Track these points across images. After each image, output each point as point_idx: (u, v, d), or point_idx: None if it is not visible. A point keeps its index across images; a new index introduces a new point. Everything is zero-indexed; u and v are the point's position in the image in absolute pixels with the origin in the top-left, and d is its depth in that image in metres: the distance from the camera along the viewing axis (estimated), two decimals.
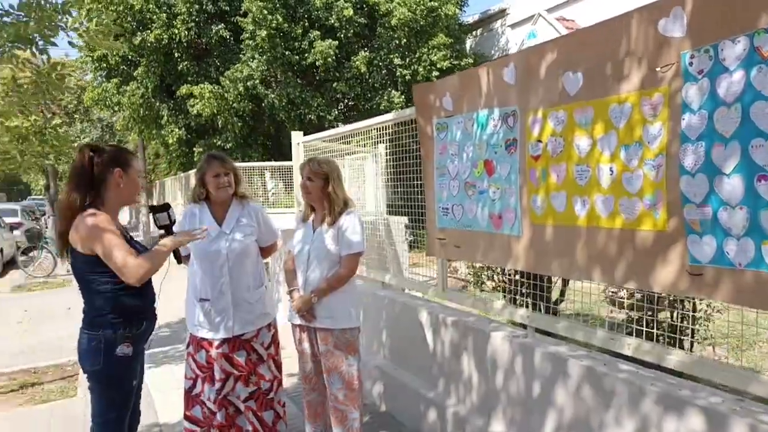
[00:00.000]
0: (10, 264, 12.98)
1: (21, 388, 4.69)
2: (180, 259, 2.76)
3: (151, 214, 2.67)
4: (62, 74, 5.15)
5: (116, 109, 12.94)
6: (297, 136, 5.66)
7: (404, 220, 5.18)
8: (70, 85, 5.20)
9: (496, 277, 4.58)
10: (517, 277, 3.30)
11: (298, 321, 3.03)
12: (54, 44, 5.08)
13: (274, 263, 6.00)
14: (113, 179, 2.35)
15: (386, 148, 4.60)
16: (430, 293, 3.55)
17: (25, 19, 4.80)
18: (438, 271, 3.47)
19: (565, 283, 4.15)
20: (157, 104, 12.34)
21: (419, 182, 3.71)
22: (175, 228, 2.74)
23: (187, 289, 3.15)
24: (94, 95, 12.67)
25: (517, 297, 3.90)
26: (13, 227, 14.00)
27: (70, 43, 4.88)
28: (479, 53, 13.85)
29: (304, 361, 3.07)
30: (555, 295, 4.02)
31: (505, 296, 4.46)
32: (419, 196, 3.77)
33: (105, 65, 12.47)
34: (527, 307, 2.98)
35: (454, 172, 3.23)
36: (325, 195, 2.96)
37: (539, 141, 2.58)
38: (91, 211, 2.27)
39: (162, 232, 2.69)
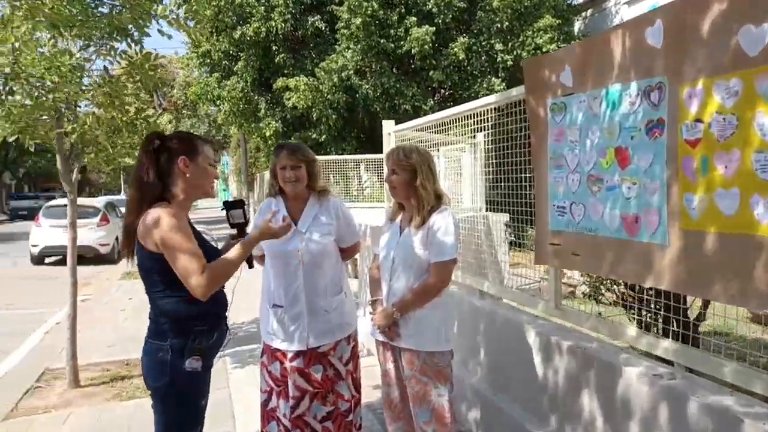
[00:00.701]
0: None
1: (111, 380, 4.70)
2: (252, 262, 2.42)
3: (224, 210, 2.36)
4: (155, 65, 5.11)
5: (217, 103, 13.34)
6: (388, 126, 5.24)
7: (504, 217, 4.65)
8: (164, 76, 5.18)
9: (616, 288, 3.88)
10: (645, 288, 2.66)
11: (381, 337, 2.61)
12: (147, 35, 5.06)
13: (363, 263, 5.66)
14: (178, 169, 2.06)
15: (485, 137, 4.07)
16: (539, 308, 2.98)
17: (119, 8, 4.80)
18: (549, 283, 2.88)
19: (706, 303, 3.39)
20: (256, 98, 12.53)
21: (522, 174, 3.17)
22: (249, 228, 2.42)
23: (261, 292, 2.85)
24: (197, 90, 13.13)
25: (643, 313, 3.23)
26: None
27: (159, 31, 4.80)
28: (590, 36, 12.69)
29: (388, 384, 2.64)
30: (692, 313, 3.28)
31: (627, 312, 3.76)
32: (522, 191, 3.23)
33: (209, 61, 12.86)
34: (657, 329, 2.37)
35: (574, 163, 2.63)
36: (412, 190, 2.51)
37: (698, 121, 1.94)
38: (159, 208, 1.99)
39: (234, 232, 2.38)
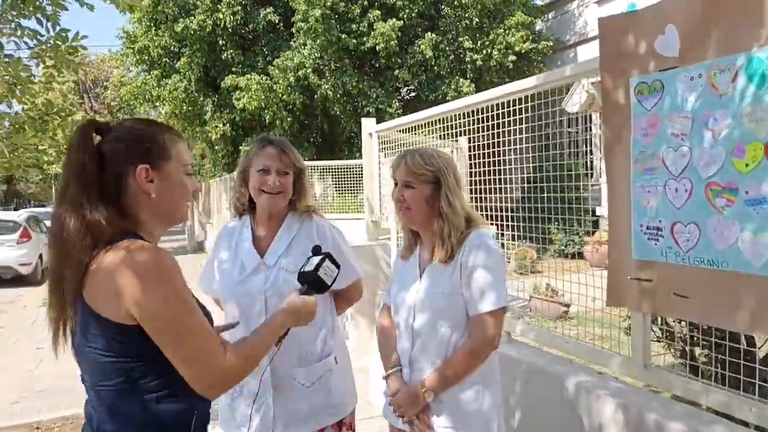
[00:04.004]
0: None
1: None
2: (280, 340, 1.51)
3: (315, 256, 1.57)
4: (74, 47, 4.04)
5: (156, 104, 12.04)
6: (369, 125, 4.36)
7: (492, 230, 3.93)
8: (84, 62, 4.16)
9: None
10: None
11: (402, 425, 1.80)
12: (64, 8, 4.02)
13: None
14: (136, 184, 1.24)
15: (470, 141, 3.38)
16: (614, 367, 2.15)
17: None
18: (633, 333, 2.06)
19: None
20: (201, 98, 11.33)
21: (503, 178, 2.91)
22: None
23: None
24: (132, 88, 11.78)
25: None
26: None
27: (87, 4, 3.75)
28: (555, 38, 12.22)
29: None
30: None
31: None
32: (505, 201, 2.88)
33: (146, 58, 11.57)
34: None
35: (679, 166, 1.86)
36: (434, 210, 1.76)
37: None
38: (138, 243, 1.17)
39: (304, 287, 1.53)
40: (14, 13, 3.81)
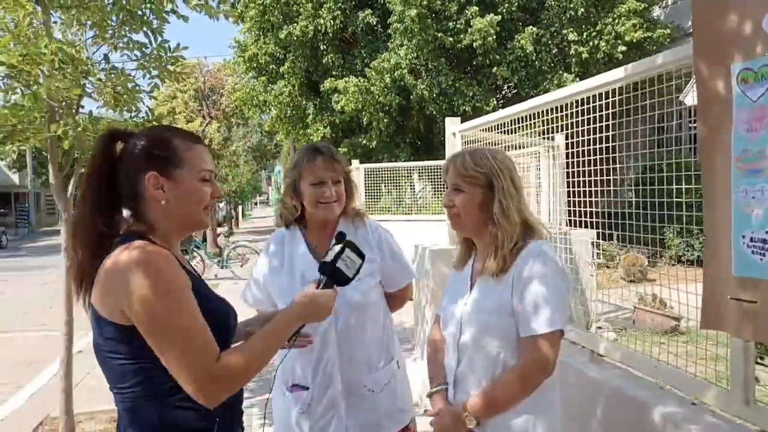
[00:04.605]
0: None
1: None
2: (294, 337, 1.42)
3: (337, 245, 1.42)
4: (175, 57, 4.31)
5: (263, 108, 12.71)
6: (453, 124, 4.21)
7: (590, 235, 3.65)
8: (185, 71, 4.44)
9: None
10: None
11: None
12: (166, 20, 4.31)
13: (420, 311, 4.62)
14: (148, 192, 1.25)
15: (567, 137, 3.10)
16: (710, 398, 1.86)
17: None
18: (735, 363, 1.77)
19: None
20: (303, 102, 11.78)
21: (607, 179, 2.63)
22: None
23: (275, 371, 1.91)
24: (242, 95, 12.56)
25: None
26: None
27: (173, 11, 3.99)
28: (674, 26, 11.17)
29: None
30: None
31: None
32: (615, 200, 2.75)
33: (255, 65, 12.25)
34: None
35: None
36: (487, 217, 1.61)
37: None
38: (131, 249, 1.16)
39: (322, 279, 1.40)
40: (126, 28, 4.14)
